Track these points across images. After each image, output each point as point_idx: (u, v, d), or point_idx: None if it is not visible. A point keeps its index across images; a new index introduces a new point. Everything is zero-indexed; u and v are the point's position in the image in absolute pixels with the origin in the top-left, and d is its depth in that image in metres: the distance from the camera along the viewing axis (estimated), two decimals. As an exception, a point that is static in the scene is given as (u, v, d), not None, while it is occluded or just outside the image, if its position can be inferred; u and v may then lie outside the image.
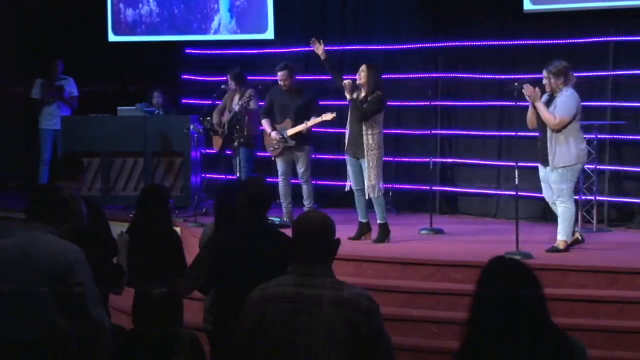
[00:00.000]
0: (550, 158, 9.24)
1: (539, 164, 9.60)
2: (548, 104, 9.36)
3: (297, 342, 4.15)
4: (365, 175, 10.02)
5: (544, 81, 9.37)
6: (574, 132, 9.30)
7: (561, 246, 9.40)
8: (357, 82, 10.07)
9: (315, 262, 4.28)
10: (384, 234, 10.18)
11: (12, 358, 5.25)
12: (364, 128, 9.94)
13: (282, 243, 5.93)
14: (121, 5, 14.41)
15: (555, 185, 9.33)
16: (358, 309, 4.17)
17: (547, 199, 9.66)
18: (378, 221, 10.18)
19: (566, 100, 9.20)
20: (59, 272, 5.26)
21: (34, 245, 5.31)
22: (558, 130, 9.17)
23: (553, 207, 9.63)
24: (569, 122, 9.21)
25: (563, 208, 9.36)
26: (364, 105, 9.98)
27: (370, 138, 9.94)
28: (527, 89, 9.19)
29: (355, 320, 4.13)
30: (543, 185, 9.62)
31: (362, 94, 10.08)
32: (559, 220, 9.42)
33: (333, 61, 10.51)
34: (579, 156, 9.36)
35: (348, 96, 10.12)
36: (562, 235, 9.41)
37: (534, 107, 9.26)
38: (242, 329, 4.31)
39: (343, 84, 10.12)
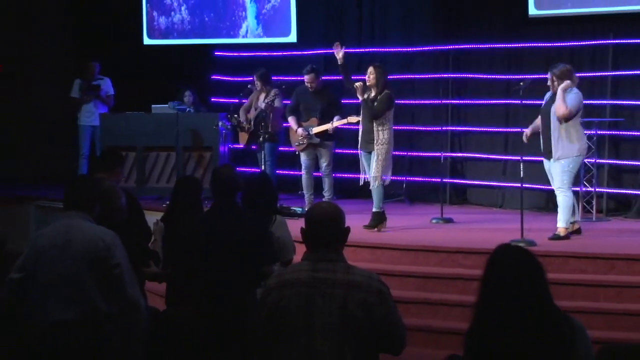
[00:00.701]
0: (553, 150, 9.27)
1: (543, 158, 9.62)
2: (550, 102, 9.39)
3: (313, 323, 4.16)
4: (372, 166, 10.07)
5: (549, 82, 9.40)
6: (576, 127, 9.35)
7: (562, 233, 9.43)
8: (367, 83, 10.10)
9: (327, 249, 4.29)
10: (378, 220, 10.17)
11: (53, 338, 5.29)
12: (375, 125, 9.99)
13: (250, 230, 6.05)
14: (154, 14, 14.45)
15: (557, 176, 9.36)
16: (370, 291, 4.19)
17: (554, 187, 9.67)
18: (373, 209, 10.18)
19: (574, 97, 9.26)
20: (98, 255, 5.31)
21: (74, 232, 5.37)
22: (566, 120, 9.21)
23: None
24: (574, 116, 9.26)
25: (563, 197, 9.39)
26: (375, 104, 10.02)
27: (381, 134, 9.99)
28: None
29: (367, 301, 4.15)
30: (550, 177, 9.65)
31: (372, 94, 10.10)
32: (559, 208, 9.44)
33: (348, 66, 10.51)
34: (580, 149, 9.40)
35: (360, 97, 10.19)
36: (561, 222, 9.43)
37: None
38: (260, 314, 4.31)
39: (355, 86, 10.18)
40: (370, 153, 10.15)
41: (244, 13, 13.91)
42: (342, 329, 4.14)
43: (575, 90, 9.37)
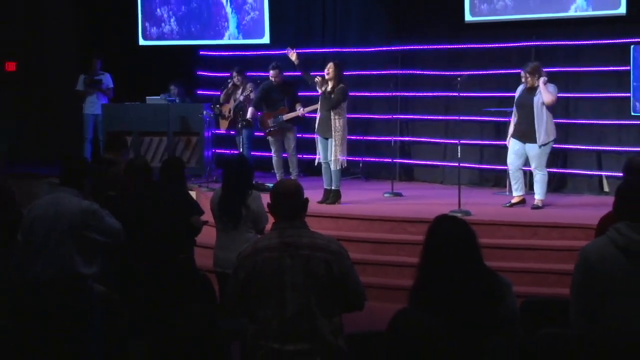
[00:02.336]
0: (538, 136, 9.40)
1: (512, 139, 9.69)
2: (526, 94, 9.44)
3: (284, 280, 4.18)
4: (332, 151, 10.06)
5: (523, 79, 9.49)
6: (551, 117, 9.44)
7: (540, 204, 9.67)
8: (326, 77, 10.07)
9: (292, 218, 4.32)
10: (336, 197, 10.19)
11: (39, 294, 5.28)
12: (332, 114, 9.97)
13: (175, 196, 6.44)
14: (147, 24, 14.37)
15: (536, 157, 9.50)
16: (329, 251, 4.21)
17: (512, 167, 9.77)
18: (333, 187, 10.18)
19: (554, 88, 9.44)
20: (80, 225, 5.31)
21: (62, 205, 5.39)
22: (551, 107, 9.36)
23: (513, 175, 9.79)
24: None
25: (541, 175, 9.62)
26: (332, 96, 10.01)
27: (337, 122, 9.97)
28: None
29: (328, 260, 4.18)
30: (514, 157, 9.72)
31: (330, 87, 10.07)
32: (537, 185, 9.66)
33: (303, 64, 10.52)
34: (555, 134, 9.58)
35: (319, 90, 10.17)
36: (539, 195, 9.69)
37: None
38: (237, 276, 4.31)
39: (315, 80, 10.17)
40: (326, 139, 10.15)
41: (226, 24, 13.83)
42: (308, 284, 4.16)
43: (552, 85, 9.48)
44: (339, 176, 10.22)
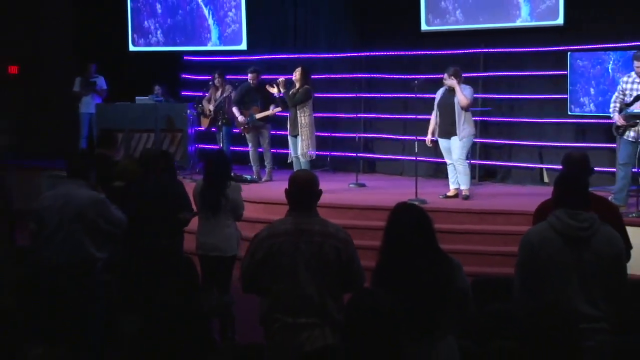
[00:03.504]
0: (458, 132, 9.32)
1: (438, 138, 9.62)
2: (447, 95, 9.43)
3: (298, 263, 4.16)
4: (300, 146, 10.08)
5: (444, 81, 9.46)
6: (470, 114, 9.44)
7: (468, 193, 9.57)
8: (293, 79, 10.16)
9: (306, 207, 4.30)
10: None
11: (53, 277, 5.25)
12: (298, 112, 10.03)
13: (170, 188, 6.44)
14: (135, 36, 14.28)
15: (458, 151, 9.41)
16: (339, 239, 4.22)
17: (449, 162, 9.71)
18: None
19: (470, 91, 9.38)
20: (88, 213, 5.29)
21: (72, 195, 5.37)
22: (466, 109, 9.31)
23: (449, 168, 9.72)
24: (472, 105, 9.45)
25: (463, 167, 9.52)
26: (296, 97, 10.05)
27: (303, 119, 10.05)
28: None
29: (337, 247, 4.18)
30: (445, 153, 9.68)
31: (296, 88, 10.16)
32: (461, 176, 9.56)
33: (283, 99, 10.47)
34: (473, 130, 9.56)
35: (283, 90, 10.27)
36: (465, 185, 9.59)
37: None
38: (254, 256, 4.28)
39: (278, 81, 10.31)
40: (295, 137, 10.21)
41: (209, 35, 13.76)
42: (319, 267, 4.16)
43: (467, 85, 9.47)
44: (308, 168, 10.20)
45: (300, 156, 10.17)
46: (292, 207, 4.32)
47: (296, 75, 10.21)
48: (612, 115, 8.69)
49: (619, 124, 8.57)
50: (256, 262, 4.25)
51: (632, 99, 8.48)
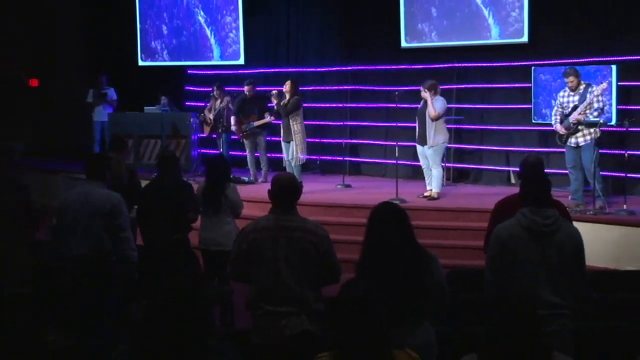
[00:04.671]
0: (429, 140, 9.33)
1: (417, 144, 9.64)
2: (423, 106, 9.45)
3: (278, 254, 4.17)
4: (292, 150, 10.08)
5: (421, 93, 9.46)
6: (443, 123, 9.46)
7: (436, 195, 9.57)
8: (284, 90, 10.19)
9: (286, 206, 4.30)
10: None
11: (74, 267, 5.24)
12: (290, 120, 10.06)
13: (179, 189, 6.35)
14: (143, 56, 14.27)
15: (431, 157, 9.43)
16: (317, 234, 4.23)
17: (423, 166, 9.74)
18: None
19: (441, 104, 9.35)
20: (106, 210, 5.27)
21: (91, 194, 5.36)
22: (436, 120, 9.27)
23: (425, 171, 9.72)
24: (442, 117, 9.39)
25: (437, 172, 9.54)
26: (287, 107, 10.06)
27: (295, 126, 10.09)
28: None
29: (315, 242, 4.18)
30: (421, 158, 9.70)
31: (287, 98, 10.15)
32: (434, 180, 9.59)
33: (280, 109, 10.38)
34: (445, 139, 9.55)
35: (275, 101, 10.23)
36: (436, 188, 9.60)
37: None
38: (240, 247, 4.29)
39: (271, 93, 10.27)
40: (288, 142, 10.23)
41: (211, 54, 13.72)
42: (298, 260, 4.16)
43: (441, 98, 9.47)
44: (300, 171, 10.24)
45: (291, 160, 10.18)
46: (274, 206, 4.33)
47: (286, 87, 10.22)
48: (554, 126, 8.92)
49: (561, 133, 8.80)
50: (242, 253, 4.27)
51: (569, 110, 8.73)
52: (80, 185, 5.60)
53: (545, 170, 5.30)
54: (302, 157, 10.19)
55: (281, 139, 10.48)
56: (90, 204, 5.33)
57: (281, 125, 10.41)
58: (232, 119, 11.22)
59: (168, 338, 2.62)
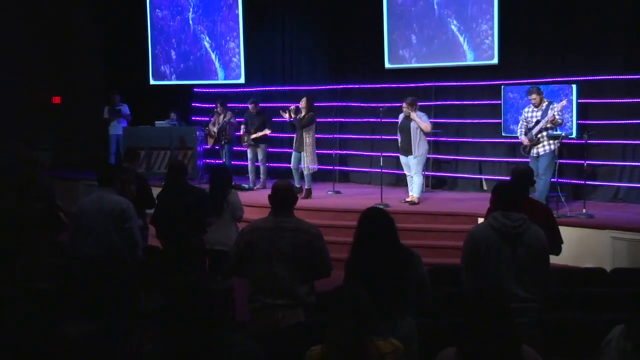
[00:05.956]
0: (413, 150, 9.34)
1: (400, 155, 9.66)
2: (405, 121, 9.45)
3: (272, 253, 4.14)
4: (304, 161, 10.07)
5: (403, 109, 9.48)
6: (424, 136, 9.44)
7: (417, 200, 9.56)
8: (300, 106, 10.18)
9: (283, 209, 4.28)
10: (309, 194, 10.21)
11: (90, 264, 5.23)
12: (303, 133, 10.04)
13: (196, 197, 6.16)
14: (151, 77, 14.27)
15: (414, 166, 9.44)
16: (310, 233, 4.20)
17: (407, 173, 9.73)
18: (306, 187, 10.20)
19: (426, 118, 9.45)
20: (117, 214, 5.25)
21: (104, 200, 5.36)
22: (426, 133, 9.32)
23: (408, 179, 9.73)
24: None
25: (419, 178, 9.57)
26: (303, 121, 10.01)
27: (307, 139, 10.09)
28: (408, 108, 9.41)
29: (308, 240, 4.15)
30: (404, 167, 9.71)
31: (303, 114, 10.12)
32: (415, 186, 9.60)
33: (294, 121, 10.32)
34: (426, 149, 9.54)
35: (288, 116, 10.20)
36: (417, 193, 9.61)
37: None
38: (238, 245, 4.27)
39: (290, 108, 10.21)
40: (299, 153, 10.20)
41: (216, 77, 13.68)
42: (292, 257, 4.13)
43: (422, 113, 9.51)
44: (310, 179, 10.24)
45: (304, 169, 10.18)
46: (273, 209, 4.31)
47: (302, 103, 10.20)
48: (520, 138, 8.97)
49: (525, 143, 8.86)
50: (239, 250, 4.24)
51: (533, 124, 8.78)
52: (94, 191, 5.57)
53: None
54: (312, 167, 10.20)
55: (293, 149, 10.47)
56: (103, 208, 5.31)
57: (295, 137, 10.40)
58: (242, 128, 11.33)
59: (188, 331, 2.56)
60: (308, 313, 4.16)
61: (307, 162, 10.11)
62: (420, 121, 9.31)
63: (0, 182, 6.46)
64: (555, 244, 4.93)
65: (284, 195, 4.31)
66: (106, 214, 5.29)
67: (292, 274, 4.12)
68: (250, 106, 11.28)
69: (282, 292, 4.11)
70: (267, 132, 11.04)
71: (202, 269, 6.14)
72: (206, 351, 2.56)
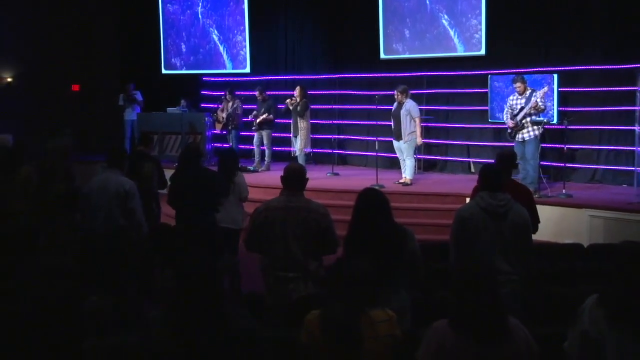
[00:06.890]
0: (403, 135, 9.30)
1: (393, 139, 9.63)
2: (397, 108, 9.42)
3: (286, 231, 4.16)
4: (298, 144, 10.07)
5: (395, 96, 9.44)
6: (414, 120, 9.40)
7: (409, 182, 9.54)
8: (295, 95, 10.14)
9: (295, 189, 4.27)
10: None
11: (97, 241, 5.22)
12: (299, 119, 10.03)
13: (210, 179, 5.96)
14: (163, 68, 14.17)
15: (405, 150, 9.42)
16: (319, 212, 4.21)
17: (400, 157, 9.71)
18: None
19: (415, 106, 9.32)
20: (121, 194, 5.26)
21: (110, 180, 5.36)
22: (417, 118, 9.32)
23: (401, 162, 9.71)
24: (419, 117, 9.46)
25: (410, 161, 9.56)
26: (298, 108, 10.00)
27: (302, 124, 10.12)
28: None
29: (317, 218, 4.17)
30: (397, 151, 9.70)
31: (298, 102, 10.08)
32: (407, 168, 9.59)
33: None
34: (416, 134, 9.45)
35: (289, 106, 10.29)
36: (409, 176, 9.59)
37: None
38: (254, 222, 4.27)
39: (286, 102, 10.27)
40: (296, 137, 10.23)
41: (224, 68, 13.57)
42: (303, 234, 4.14)
43: (411, 100, 9.48)
44: (304, 160, 10.30)
45: (297, 151, 10.21)
46: (285, 188, 4.30)
47: (297, 92, 10.35)
48: (506, 122, 8.88)
49: (511, 126, 8.73)
50: (255, 227, 4.24)
51: (517, 110, 8.71)
52: (101, 172, 5.54)
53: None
54: (307, 150, 10.30)
55: (291, 134, 10.51)
56: (109, 188, 5.30)
57: (292, 122, 10.46)
58: (254, 114, 11.31)
59: (194, 301, 2.58)
60: (317, 285, 4.18)
61: (300, 145, 10.13)
62: (409, 113, 9.31)
63: (29, 167, 6.46)
64: (533, 223, 4.94)
65: (299, 177, 4.30)
66: (111, 194, 5.29)
67: (303, 250, 4.14)
68: (257, 93, 11.30)
69: (294, 266, 4.14)
70: (270, 116, 11.04)
71: (216, 246, 6.11)
72: (207, 320, 2.59)
